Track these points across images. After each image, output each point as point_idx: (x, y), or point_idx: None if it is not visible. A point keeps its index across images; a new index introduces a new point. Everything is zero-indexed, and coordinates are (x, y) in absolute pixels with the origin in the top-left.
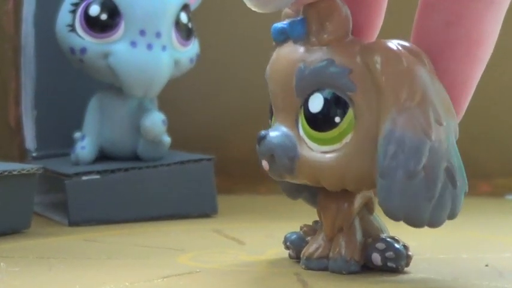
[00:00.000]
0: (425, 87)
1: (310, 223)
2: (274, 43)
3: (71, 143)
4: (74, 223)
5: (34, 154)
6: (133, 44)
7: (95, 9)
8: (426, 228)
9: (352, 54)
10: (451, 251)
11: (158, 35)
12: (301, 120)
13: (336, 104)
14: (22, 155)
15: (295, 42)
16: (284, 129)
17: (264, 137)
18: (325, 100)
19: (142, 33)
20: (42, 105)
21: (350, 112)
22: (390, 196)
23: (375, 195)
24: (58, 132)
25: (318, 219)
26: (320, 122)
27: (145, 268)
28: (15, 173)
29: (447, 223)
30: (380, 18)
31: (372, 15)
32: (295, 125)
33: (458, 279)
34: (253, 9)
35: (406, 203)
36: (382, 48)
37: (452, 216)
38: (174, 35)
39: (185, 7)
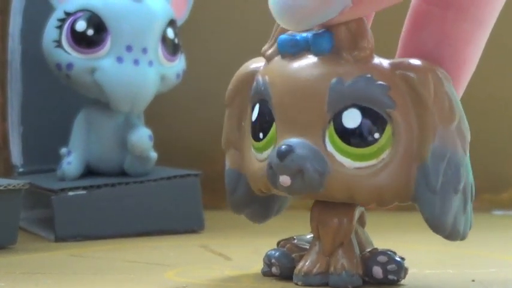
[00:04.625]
0: (460, 107)
1: (290, 238)
2: (271, 52)
3: (57, 158)
4: (60, 239)
5: (20, 169)
6: (119, 59)
7: (81, 25)
8: (412, 242)
9: (389, 71)
10: (438, 266)
11: (145, 50)
12: (330, 135)
13: (375, 121)
14: (8, 171)
15: (317, 55)
16: (309, 143)
17: (289, 151)
18: (363, 116)
19: (128, 48)
20: (29, 120)
21: (388, 128)
22: (438, 211)
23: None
24: (44, 148)
25: (290, 235)
26: (356, 138)
27: (132, 283)
28: (1, 188)
29: (433, 238)
30: None
31: None
32: (321, 140)
33: None
34: (283, 26)
35: (453, 217)
36: (419, 67)
37: (470, 228)
38: (160, 50)
39: (172, 23)
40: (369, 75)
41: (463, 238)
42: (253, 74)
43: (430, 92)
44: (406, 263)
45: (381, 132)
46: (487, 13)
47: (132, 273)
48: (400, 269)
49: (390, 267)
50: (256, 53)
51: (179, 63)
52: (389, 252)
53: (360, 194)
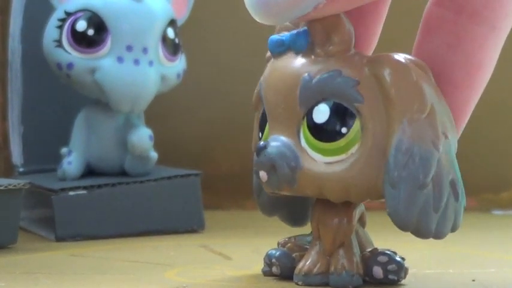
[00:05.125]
0: (433, 100)
1: (291, 237)
2: (270, 56)
3: (57, 158)
4: (60, 238)
5: (21, 169)
6: (120, 59)
7: (81, 25)
8: (412, 242)
9: (359, 66)
10: (438, 266)
11: (145, 50)
12: (304, 131)
13: (343, 115)
14: (9, 170)
15: (297, 53)
16: (284, 139)
17: (264, 147)
18: (332, 111)
19: (129, 48)
20: (29, 120)
21: (357, 123)
22: (401, 206)
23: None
24: (45, 148)
25: (297, 234)
26: (325, 133)
27: (132, 283)
28: (1, 188)
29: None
30: (376, 34)
31: (369, 31)
32: (296, 136)
33: None
34: (259, 21)
35: (416, 214)
36: (390, 61)
37: (454, 228)
38: (161, 50)
39: (172, 23)
40: (338, 70)
41: (437, 237)
42: None
43: (396, 86)
44: (407, 263)
45: (349, 126)
46: (501, 17)
47: (133, 273)
48: (401, 269)
49: (390, 267)
50: (257, 53)
51: (179, 63)
52: (389, 252)
53: (329, 189)
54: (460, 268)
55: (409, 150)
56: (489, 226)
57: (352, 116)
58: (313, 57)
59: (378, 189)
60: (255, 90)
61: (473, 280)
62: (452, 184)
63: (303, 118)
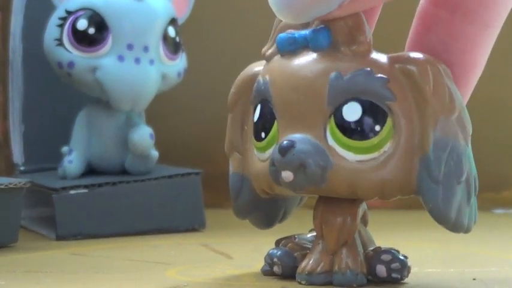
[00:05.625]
0: (460, 99)
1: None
2: (272, 53)
3: (58, 157)
4: (61, 237)
5: (22, 168)
6: (120, 58)
7: (82, 24)
8: (413, 241)
9: (388, 64)
10: (439, 264)
11: (146, 49)
12: (331, 129)
13: (375, 113)
14: (9, 169)
15: (316, 51)
16: (310, 138)
17: (290, 146)
18: (364, 109)
19: (130, 47)
20: (30, 119)
21: (389, 121)
22: (445, 202)
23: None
24: (45, 147)
25: (294, 233)
26: (357, 131)
27: (133, 282)
28: (2, 187)
29: (435, 236)
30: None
31: None
32: (322, 134)
33: None
34: (282, 19)
35: (456, 208)
36: (419, 60)
37: (475, 222)
38: (161, 49)
39: (173, 21)
40: (368, 69)
41: (467, 231)
42: (254, 77)
43: (430, 84)
44: (409, 261)
45: (382, 124)
46: (495, 16)
47: (133, 271)
48: (404, 268)
49: (394, 265)
50: (258, 51)
51: (180, 62)
52: (392, 251)
53: (362, 187)
54: (461, 267)
55: (448, 147)
56: (490, 225)
57: (384, 114)
58: (339, 55)
59: (411, 186)
60: (232, 90)
61: (474, 279)
62: (474, 179)
63: (329, 116)
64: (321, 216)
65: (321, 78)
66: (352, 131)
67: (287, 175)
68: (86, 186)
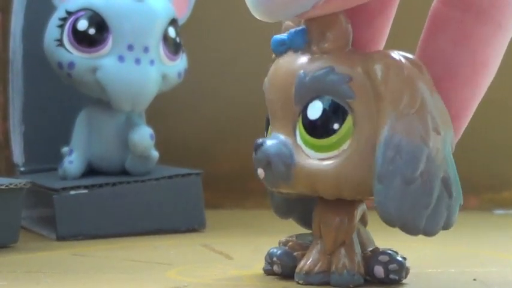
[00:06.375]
0: (424, 96)
1: (292, 236)
2: (273, 55)
3: (58, 157)
4: (61, 237)
5: (22, 169)
6: (121, 58)
7: (83, 24)
8: (414, 241)
9: (353, 63)
10: (439, 265)
11: (146, 49)
12: (299, 128)
13: (335, 111)
14: (10, 170)
15: (295, 51)
16: (281, 137)
17: (260, 145)
18: (324, 107)
19: (130, 47)
20: (30, 119)
21: (349, 119)
22: (387, 201)
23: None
24: (46, 147)
25: (300, 232)
26: (318, 129)
27: (134, 282)
28: (2, 187)
29: (435, 237)
30: (385, 36)
31: (377, 32)
32: (292, 133)
33: None
34: (258, 18)
35: (403, 209)
36: (383, 57)
37: (447, 226)
38: (162, 49)
39: (173, 22)
40: (331, 67)
41: (427, 234)
42: None
43: (384, 80)
44: (408, 263)
45: (341, 122)
46: (507, 16)
47: (134, 272)
48: (402, 269)
49: (392, 266)
50: (258, 52)
51: (181, 62)
52: (390, 252)
53: (321, 185)
54: (461, 267)
55: (397, 145)
56: (490, 225)
57: (345, 112)
58: (309, 55)
59: (369, 187)
60: None
61: (475, 279)
62: (444, 180)
63: (299, 115)
64: (319, 217)
65: (290, 78)
66: (313, 129)
67: (260, 172)
68: (86, 187)
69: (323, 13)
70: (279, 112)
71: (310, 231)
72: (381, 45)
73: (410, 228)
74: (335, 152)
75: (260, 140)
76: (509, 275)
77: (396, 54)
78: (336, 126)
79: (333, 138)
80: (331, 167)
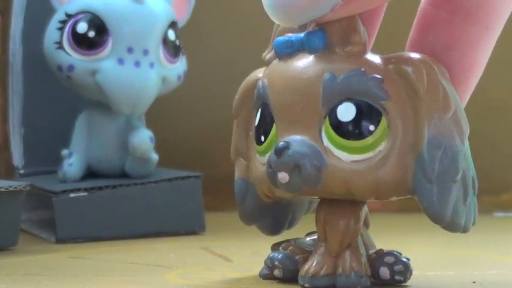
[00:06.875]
0: (456, 98)
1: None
2: (271, 57)
3: (58, 160)
4: (61, 240)
5: (21, 171)
6: (120, 61)
7: (82, 27)
8: (412, 244)
9: (382, 64)
10: (439, 267)
11: (146, 52)
12: (326, 130)
13: (369, 113)
14: (9, 172)
15: (311, 53)
16: (304, 138)
17: (286, 148)
18: (358, 109)
19: (129, 50)
20: (30, 122)
21: (383, 121)
22: (436, 200)
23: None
24: (45, 150)
25: (291, 237)
26: (351, 131)
27: (133, 285)
28: (2, 190)
29: (434, 239)
30: (373, 36)
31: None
32: (317, 135)
33: None
34: (277, 22)
35: (451, 207)
36: (413, 60)
37: (474, 222)
38: (161, 52)
39: (173, 24)
40: (362, 69)
41: (464, 231)
42: (257, 82)
43: (423, 83)
44: (411, 264)
45: (376, 124)
46: (495, 18)
47: (133, 274)
48: (407, 270)
49: (397, 267)
50: (258, 54)
51: (180, 65)
52: (396, 253)
53: (358, 187)
54: (461, 270)
55: (442, 146)
56: (490, 228)
57: (379, 114)
58: (333, 57)
59: (406, 185)
60: (236, 97)
61: (474, 282)
62: (473, 179)
63: (325, 117)
64: (324, 219)
65: (315, 80)
66: (346, 131)
67: (283, 176)
68: (85, 189)
69: (340, 16)
70: (297, 114)
71: (305, 235)
72: (370, 47)
73: (456, 226)
74: (370, 154)
75: (283, 143)
76: (508, 278)
77: (421, 56)
78: (371, 127)
79: (368, 140)
80: (368, 169)
